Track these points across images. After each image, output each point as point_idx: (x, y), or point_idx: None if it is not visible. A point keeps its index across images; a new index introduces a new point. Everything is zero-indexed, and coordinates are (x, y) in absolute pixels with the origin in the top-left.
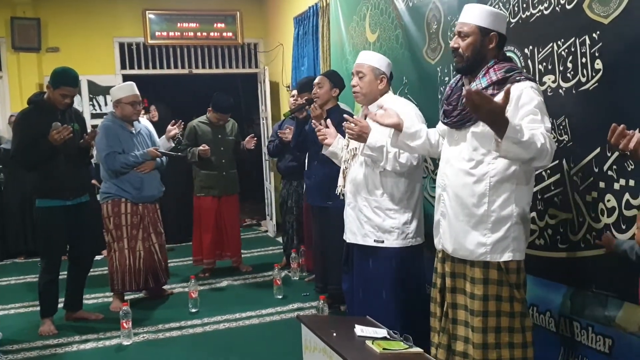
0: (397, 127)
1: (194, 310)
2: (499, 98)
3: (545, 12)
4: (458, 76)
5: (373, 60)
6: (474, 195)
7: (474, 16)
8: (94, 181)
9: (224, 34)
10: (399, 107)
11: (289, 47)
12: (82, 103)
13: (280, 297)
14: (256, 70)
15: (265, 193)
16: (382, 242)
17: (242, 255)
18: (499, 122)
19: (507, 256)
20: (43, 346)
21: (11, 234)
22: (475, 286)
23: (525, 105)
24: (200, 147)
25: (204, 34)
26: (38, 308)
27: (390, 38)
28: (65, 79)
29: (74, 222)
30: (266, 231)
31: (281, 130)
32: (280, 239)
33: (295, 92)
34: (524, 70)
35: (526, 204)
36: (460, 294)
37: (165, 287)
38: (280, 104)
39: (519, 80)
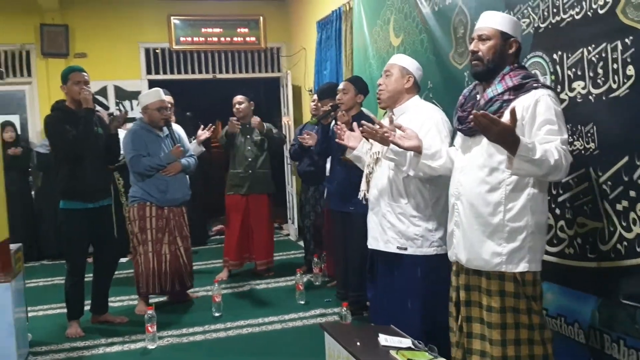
0: (417, 150)
1: (217, 314)
2: (516, 104)
3: (577, 17)
4: (472, 85)
5: (402, 61)
6: (489, 204)
7: (494, 21)
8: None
9: (247, 38)
10: (424, 113)
11: (311, 51)
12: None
13: (302, 302)
14: (279, 74)
15: (287, 196)
16: (406, 249)
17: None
18: (509, 141)
19: (522, 267)
20: (70, 348)
21: (42, 236)
22: (492, 298)
23: (542, 114)
24: (230, 120)
25: (228, 38)
26: (65, 310)
27: (415, 42)
28: (69, 69)
29: (97, 225)
30: (288, 235)
31: (301, 135)
32: (302, 243)
33: (316, 97)
34: (541, 78)
35: (543, 213)
36: (475, 307)
37: (188, 291)
38: (302, 107)
39: (535, 88)
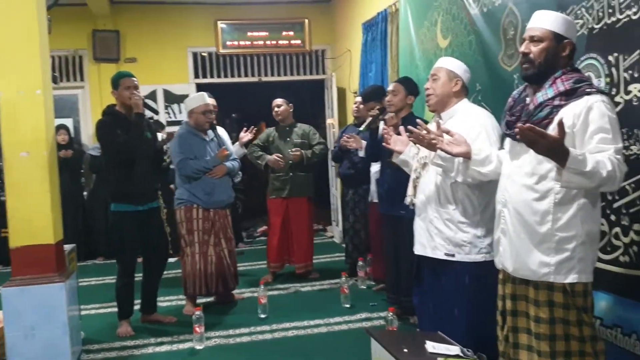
0: (466, 155)
1: (263, 316)
2: (564, 113)
3: (634, 17)
4: (521, 87)
5: (449, 64)
6: (537, 212)
7: (547, 21)
8: (172, 186)
9: (292, 41)
10: (473, 117)
11: (356, 53)
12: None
13: (347, 306)
14: (323, 76)
15: (330, 198)
16: (453, 255)
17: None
18: (558, 154)
19: (572, 278)
20: (121, 347)
21: (94, 236)
22: (540, 309)
23: (594, 122)
24: (274, 156)
25: (273, 42)
26: (116, 309)
27: (463, 44)
28: (119, 75)
29: (145, 226)
30: (332, 237)
31: (344, 138)
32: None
33: (358, 99)
34: (593, 83)
35: (594, 222)
36: (522, 317)
37: (234, 292)
38: (347, 109)
39: (589, 93)
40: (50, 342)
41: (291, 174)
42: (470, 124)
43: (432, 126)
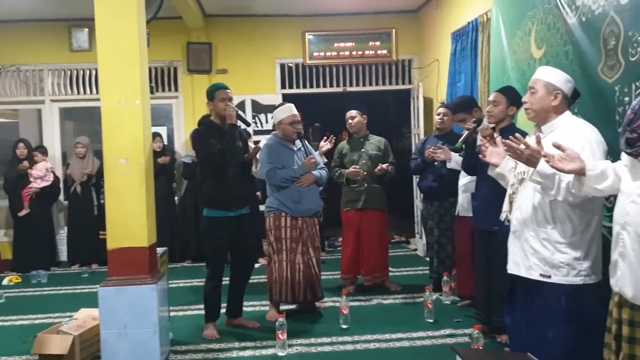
0: (580, 172)
1: (345, 326)
2: None
3: None
4: None
5: (548, 75)
6: None
7: None
8: (258, 193)
9: (379, 51)
10: (577, 131)
11: (444, 63)
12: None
13: (431, 321)
14: (409, 86)
15: (414, 210)
16: (549, 277)
17: (390, 273)
18: None
19: None
20: (207, 350)
21: (184, 239)
22: None
23: None
24: (351, 169)
25: (359, 52)
26: (203, 312)
27: (559, 54)
28: (214, 87)
29: (236, 232)
30: (415, 250)
31: (431, 149)
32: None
33: (442, 109)
34: None
35: None
36: None
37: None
38: (434, 120)
39: None
40: (141, 341)
41: (366, 185)
42: (574, 139)
43: (531, 140)
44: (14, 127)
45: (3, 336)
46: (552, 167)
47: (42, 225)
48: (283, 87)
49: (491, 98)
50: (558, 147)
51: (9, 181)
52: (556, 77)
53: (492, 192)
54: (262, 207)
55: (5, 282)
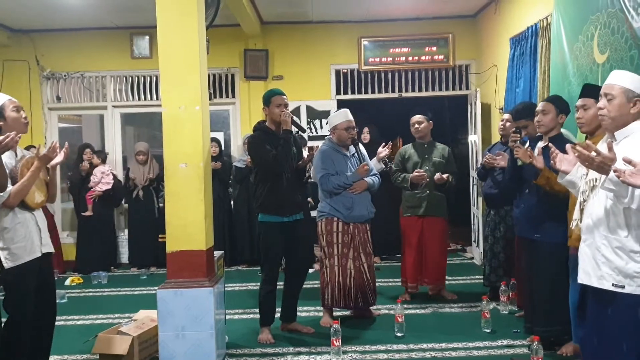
0: None
1: (399, 334)
2: None
3: None
4: None
5: (626, 80)
6: None
7: None
8: (309, 199)
9: (435, 57)
10: None
11: (503, 68)
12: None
13: (488, 331)
14: (466, 92)
15: (472, 218)
16: (623, 287)
17: (446, 282)
18: None
19: None
20: (262, 354)
21: (238, 243)
22: None
23: None
24: (415, 173)
25: (415, 57)
26: (258, 316)
27: (623, 59)
28: (271, 92)
29: (290, 237)
30: (472, 258)
31: (488, 155)
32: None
33: (505, 116)
34: None
35: None
36: None
37: (371, 307)
38: (492, 126)
39: None
40: (198, 343)
41: (428, 191)
42: None
43: (602, 147)
44: (78, 132)
45: (65, 335)
46: (623, 182)
47: (104, 228)
48: (338, 93)
49: (540, 107)
50: (629, 162)
51: (73, 184)
52: (635, 83)
53: (533, 201)
54: (313, 213)
55: (67, 282)
